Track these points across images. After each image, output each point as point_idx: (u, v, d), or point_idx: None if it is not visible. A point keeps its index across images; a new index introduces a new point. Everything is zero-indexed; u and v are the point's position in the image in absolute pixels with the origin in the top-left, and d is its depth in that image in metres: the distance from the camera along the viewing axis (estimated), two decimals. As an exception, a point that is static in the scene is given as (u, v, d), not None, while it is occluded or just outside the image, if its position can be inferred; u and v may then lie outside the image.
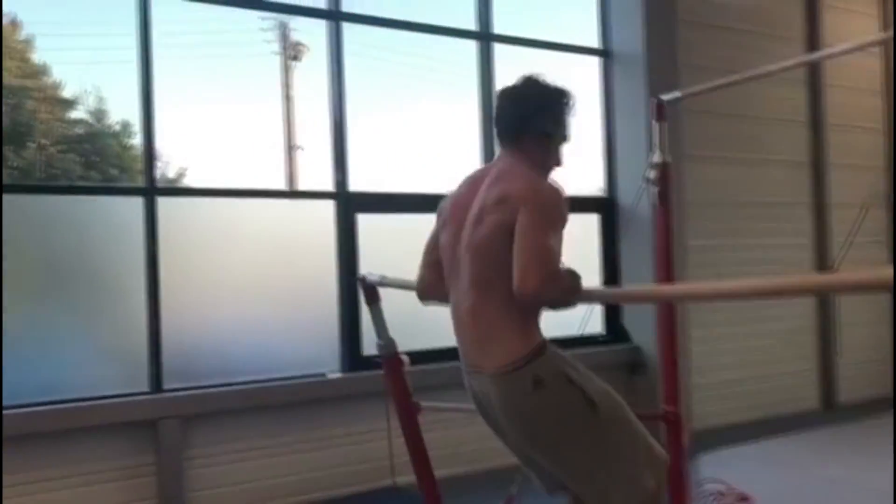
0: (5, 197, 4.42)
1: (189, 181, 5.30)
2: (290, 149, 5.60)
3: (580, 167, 6.59)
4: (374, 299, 2.89)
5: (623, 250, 6.33)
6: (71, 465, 4.34)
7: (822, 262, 7.30)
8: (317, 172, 5.43)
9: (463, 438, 5.08)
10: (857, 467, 4.80)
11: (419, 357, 3.10)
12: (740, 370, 6.64)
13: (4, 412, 4.14)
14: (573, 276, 2.04)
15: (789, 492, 4.44)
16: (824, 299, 7.26)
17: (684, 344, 6.27)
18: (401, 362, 2.85)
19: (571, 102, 2.31)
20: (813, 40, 7.29)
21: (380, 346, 2.91)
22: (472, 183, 2.31)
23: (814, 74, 7.35)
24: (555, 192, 2.14)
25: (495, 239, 2.11)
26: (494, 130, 2.41)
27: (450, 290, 2.33)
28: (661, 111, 3.53)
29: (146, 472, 4.50)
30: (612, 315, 6.37)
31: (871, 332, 7.47)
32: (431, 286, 2.46)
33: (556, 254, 2.03)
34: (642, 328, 6.14)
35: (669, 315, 3.60)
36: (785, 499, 4.32)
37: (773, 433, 5.91)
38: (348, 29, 5.39)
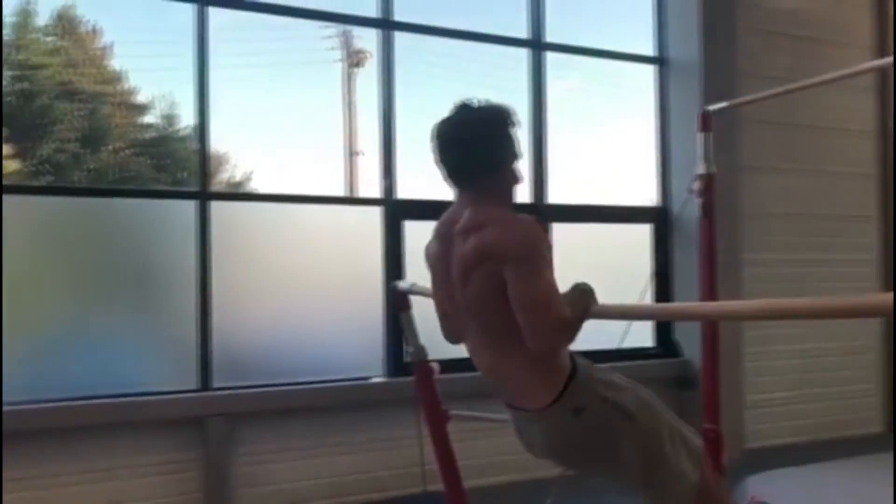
0: (73, 200, 4.67)
1: (255, 185, 5.45)
2: (351, 154, 5.67)
3: (633, 176, 6.52)
4: (404, 307, 2.92)
5: (675, 262, 6.22)
6: (119, 458, 4.49)
7: (889, 278, 7.03)
8: (374, 178, 5.52)
9: (494, 449, 5.04)
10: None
11: (451, 365, 3.10)
12: (798, 388, 6.43)
13: (54, 405, 4.33)
14: (582, 297, 1.98)
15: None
16: (889, 318, 6.99)
17: (738, 360, 6.13)
18: (431, 370, 2.86)
19: (511, 118, 2.15)
20: (883, 47, 7.02)
21: (410, 353, 2.93)
22: (444, 238, 2.20)
23: (883, 82, 7.07)
24: (528, 228, 2.01)
25: (487, 296, 2.03)
26: (442, 173, 2.23)
27: (465, 340, 2.29)
28: (706, 121, 3.46)
29: (191, 468, 4.62)
30: (663, 328, 6.25)
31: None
32: (456, 333, 2.38)
33: (553, 292, 1.95)
34: (693, 342, 6.00)
35: (713, 331, 3.52)
36: (835, 524, 4.16)
37: (830, 456, 5.69)
38: (401, 37, 5.45)
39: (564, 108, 6.16)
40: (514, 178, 2.18)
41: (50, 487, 4.31)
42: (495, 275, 1.97)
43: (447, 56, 5.84)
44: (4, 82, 4.82)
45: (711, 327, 3.53)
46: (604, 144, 6.39)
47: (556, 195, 6.01)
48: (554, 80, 6.04)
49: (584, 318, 1.93)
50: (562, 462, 2.20)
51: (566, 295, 2.00)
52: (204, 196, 4.81)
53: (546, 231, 2.10)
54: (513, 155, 2.16)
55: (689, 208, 5.67)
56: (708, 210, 3.50)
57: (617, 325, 5.61)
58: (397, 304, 2.92)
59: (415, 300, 2.99)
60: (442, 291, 2.30)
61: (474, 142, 2.08)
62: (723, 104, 3.55)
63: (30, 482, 4.26)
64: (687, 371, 6.08)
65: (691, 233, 5.96)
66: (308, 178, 5.32)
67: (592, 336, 4.13)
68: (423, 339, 2.97)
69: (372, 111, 5.47)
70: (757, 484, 4.81)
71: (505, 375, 2.13)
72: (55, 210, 4.63)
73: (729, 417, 6.04)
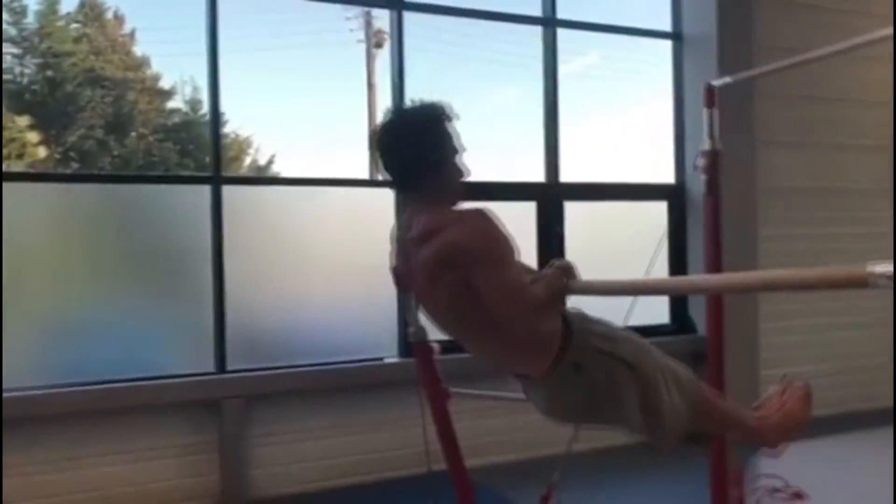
0: (92, 186, 4.78)
1: (277, 168, 5.51)
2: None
3: (650, 153, 6.48)
4: (406, 288, 2.94)
5: (691, 238, 6.19)
6: (137, 441, 4.60)
7: (910, 250, 6.93)
8: None
9: (497, 428, 5.12)
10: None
11: (453, 346, 3.13)
12: (813, 363, 6.35)
13: (75, 388, 4.43)
14: (556, 276, 2.01)
15: (850, 492, 4.26)
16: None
17: (753, 336, 6.10)
18: (431, 349, 2.89)
19: (444, 114, 2.10)
20: (903, 15, 6.86)
21: (411, 333, 2.96)
22: (402, 248, 2.20)
23: (904, 51, 6.92)
24: (480, 222, 2.00)
25: (457, 297, 2.04)
26: (388, 180, 2.22)
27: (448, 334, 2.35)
28: (710, 97, 3.43)
29: (209, 450, 4.72)
30: (678, 305, 6.23)
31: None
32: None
33: (520, 279, 1.98)
34: (703, 315, 5.98)
35: (718, 307, 3.52)
36: (843, 499, 4.15)
37: (845, 430, 5.65)
38: (411, 18, 5.43)
39: (583, 86, 6.13)
40: (458, 173, 2.14)
41: (68, 470, 4.42)
42: (460, 277, 1.97)
43: (463, 35, 5.83)
44: (30, 70, 4.89)
45: (717, 303, 3.52)
46: (622, 122, 6.36)
47: (574, 173, 5.99)
48: (573, 57, 6.01)
49: (561, 294, 1.96)
50: (568, 418, 2.26)
51: (545, 274, 2.02)
52: (217, 181, 4.87)
53: (495, 218, 2.07)
54: (452, 151, 2.11)
55: (690, 181, 5.66)
56: (713, 187, 3.47)
57: (630, 303, 5.64)
58: (398, 284, 2.94)
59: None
60: (412, 297, 2.38)
61: (409, 146, 2.05)
62: (727, 79, 3.50)
63: (49, 466, 4.38)
64: (702, 347, 6.01)
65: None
66: (330, 160, 5.36)
67: (607, 314, 4.21)
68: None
69: (410, 93, 5.42)
70: (768, 459, 4.78)
71: (496, 358, 2.16)
72: (75, 197, 4.70)
73: (745, 393, 6.03)
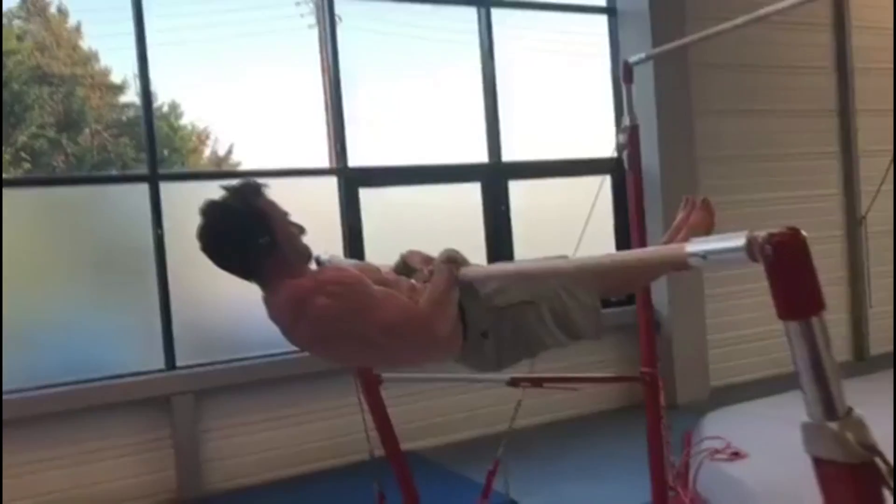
0: (31, 190, 4.71)
1: (236, 158, 5.48)
2: (339, 124, 5.60)
3: (592, 129, 6.55)
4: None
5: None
6: (91, 441, 4.62)
7: (852, 213, 7.11)
8: (367, 147, 5.51)
9: (431, 411, 5.23)
10: (875, 421, 4.69)
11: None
12: (762, 325, 6.52)
13: (25, 394, 4.42)
14: (440, 272, 1.96)
15: (792, 448, 4.40)
16: (854, 249, 7.08)
17: (698, 303, 6.24)
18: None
19: (253, 194, 1.96)
20: (835, -17, 7.00)
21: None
22: (283, 328, 2.07)
23: (839, 16, 7.05)
24: (337, 280, 1.91)
25: (354, 348, 2.01)
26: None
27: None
28: (628, 73, 3.48)
29: (164, 446, 4.75)
30: (626, 276, 6.34)
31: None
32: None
33: (398, 308, 1.93)
34: (657, 289, 6.08)
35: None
36: (783, 454, 4.28)
37: (795, 388, 5.81)
38: (350, 3, 5.41)
39: (522, 67, 6.17)
40: (294, 239, 2.00)
41: (23, 476, 4.43)
42: (346, 332, 1.92)
43: (400, 25, 5.83)
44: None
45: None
46: (562, 99, 6.41)
47: (516, 152, 6.05)
48: (511, 41, 6.04)
49: (449, 289, 1.94)
50: (507, 366, 2.25)
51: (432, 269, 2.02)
52: (154, 178, 4.85)
53: (345, 270, 2.02)
54: (278, 222, 1.96)
55: (644, 156, 5.74)
56: (634, 163, 3.53)
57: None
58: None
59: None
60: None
61: (235, 244, 1.92)
62: (641, 55, 3.56)
63: (4, 471, 4.36)
64: (654, 316, 6.17)
65: (651, 181, 6.03)
66: (290, 147, 5.34)
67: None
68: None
69: (351, 77, 5.44)
70: (713, 421, 4.92)
71: (411, 365, 2.18)
72: (14, 200, 4.64)
73: (692, 358, 6.20)
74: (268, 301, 2.00)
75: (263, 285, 1.99)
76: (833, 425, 1.06)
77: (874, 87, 7.12)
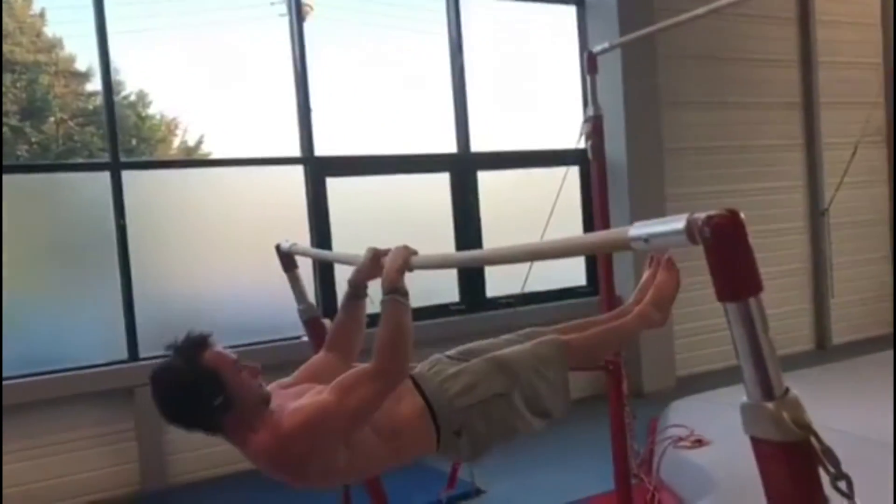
0: None
1: (207, 148, 5.43)
2: (305, 113, 5.56)
3: (560, 120, 6.56)
4: (290, 266, 2.97)
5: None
6: (56, 433, 4.56)
7: (815, 204, 7.21)
8: (335, 136, 5.46)
9: None
10: (837, 407, 4.76)
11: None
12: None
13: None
14: (386, 311, 1.93)
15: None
16: (817, 239, 7.19)
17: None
18: (322, 325, 2.93)
19: (202, 345, 1.87)
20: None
21: (300, 311, 3.00)
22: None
23: (804, 10, 7.14)
24: (297, 421, 1.82)
25: (330, 466, 1.93)
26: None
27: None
28: (592, 63, 3.51)
29: (127, 438, 4.71)
30: (593, 266, 6.38)
31: (866, 270, 7.38)
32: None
33: (348, 394, 1.84)
34: (624, 279, 6.12)
35: (608, 267, 3.64)
36: (745, 441, 4.35)
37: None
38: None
39: (491, 57, 6.17)
40: (247, 390, 1.87)
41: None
42: (322, 469, 1.89)
43: (367, 14, 5.79)
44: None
45: (606, 265, 3.64)
46: (533, 91, 6.42)
47: (485, 143, 6.05)
48: (479, 31, 6.03)
49: (398, 325, 1.89)
50: (486, 454, 2.19)
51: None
52: (116, 166, 4.79)
53: (296, 410, 1.85)
54: (226, 381, 1.83)
55: (612, 146, 5.78)
56: (597, 153, 3.56)
57: (549, 270, 5.77)
58: (283, 263, 2.98)
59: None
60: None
61: (190, 408, 1.84)
62: (605, 45, 3.58)
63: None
64: (618, 304, 6.22)
65: (618, 171, 6.07)
66: (260, 137, 5.29)
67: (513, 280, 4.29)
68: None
69: (319, 67, 5.39)
70: (678, 410, 4.99)
71: (391, 467, 2.13)
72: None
73: (658, 348, 6.26)
74: (238, 448, 1.91)
75: (229, 439, 1.90)
76: (770, 405, 1.07)
77: (837, 79, 7.23)
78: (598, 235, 1.34)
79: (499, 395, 2.09)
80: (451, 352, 2.26)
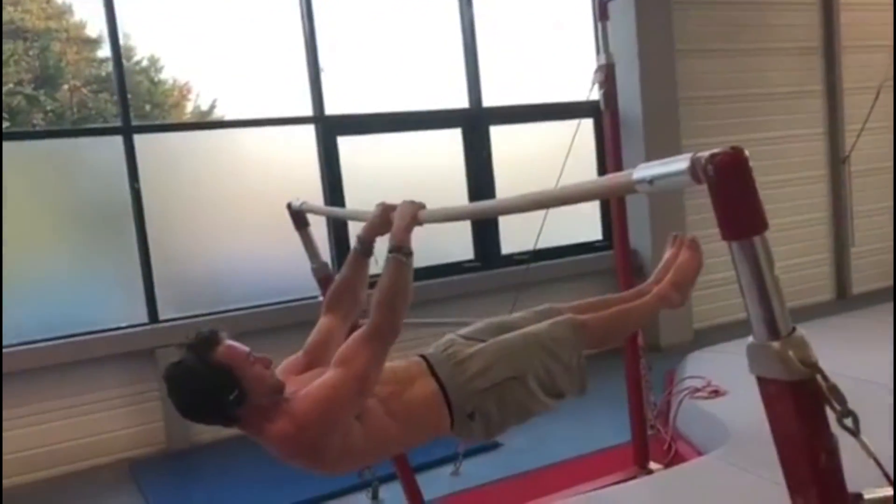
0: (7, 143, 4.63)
1: (220, 112, 5.42)
2: (315, 72, 5.51)
3: (575, 72, 6.46)
4: (302, 225, 2.97)
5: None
6: (83, 394, 4.66)
7: (835, 152, 7.09)
8: (346, 94, 5.42)
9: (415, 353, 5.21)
10: (854, 358, 4.73)
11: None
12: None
13: (10, 350, 4.43)
14: (389, 268, 1.94)
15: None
16: (837, 188, 7.08)
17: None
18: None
19: (213, 341, 1.87)
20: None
21: (313, 269, 3.01)
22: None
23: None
24: (303, 409, 1.85)
25: (349, 440, 1.94)
26: None
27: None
28: (603, 10, 3.44)
29: (151, 398, 4.79)
30: (609, 220, 6.34)
31: (888, 218, 7.26)
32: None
33: (349, 363, 1.88)
34: (640, 232, 6.10)
35: (621, 220, 3.61)
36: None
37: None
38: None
39: (502, 10, 6.06)
40: (260, 382, 1.87)
41: (14, 428, 4.47)
42: (342, 450, 1.90)
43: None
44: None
45: (620, 218, 3.61)
46: (546, 43, 6.31)
47: (497, 97, 5.98)
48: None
49: (396, 283, 1.91)
50: (498, 435, 2.22)
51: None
52: (128, 130, 4.79)
53: (308, 395, 1.87)
54: (240, 376, 1.84)
55: (625, 97, 5.70)
56: (610, 102, 3.51)
57: (565, 225, 5.75)
58: (294, 222, 2.98)
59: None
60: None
61: (206, 405, 1.85)
62: (617, -8, 3.50)
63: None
64: (634, 260, 6.19)
65: (633, 123, 5.99)
66: (272, 99, 5.27)
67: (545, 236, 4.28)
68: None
69: (331, 24, 5.33)
70: (695, 361, 4.99)
71: (407, 448, 2.17)
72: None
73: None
74: (257, 438, 1.93)
75: (246, 431, 1.91)
76: (775, 344, 1.06)
77: (860, 22, 7.03)
78: (603, 180, 1.32)
79: (513, 378, 2.09)
80: (465, 331, 2.26)
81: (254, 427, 1.89)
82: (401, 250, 1.95)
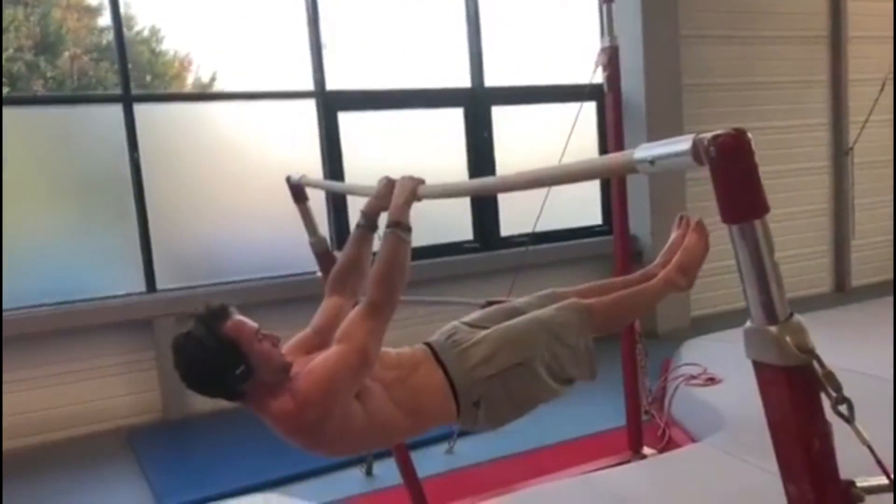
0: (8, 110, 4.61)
1: (220, 85, 5.39)
2: (316, 47, 5.47)
3: (579, 54, 6.41)
4: (301, 199, 2.95)
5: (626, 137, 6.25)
6: (81, 360, 4.67)
7: (839, 143, 7.06)
8: (348, 71, 5.39)
9: (410, 338, 5.17)
10: (850, 350, 4.73)
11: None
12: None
13: (10, 312, 4.45)
14: (386, 244, 1.92)
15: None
16: (840, 180, 7.06)
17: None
18: (333, 258, 2.91)
19: (222, 317, 1.85)
20: None
21: (311, 244, 2.99)
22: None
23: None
24: (304, 387, 1.83)
25: (350, 424, 1.92)
26: None
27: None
28: (609, -9, 3.39)
29: (148, 367, 4.81)
30: (609, 205, 6.32)
31: (888, 211, 7.25)
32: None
33: (348, 339, 1.87)
34: (640, 219, 6.09)
35: (622, 203, 3.60)
36: (755, 380, 4.36)
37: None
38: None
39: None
40: (267, 359, 1.86)
41: (11, 393, 4.49)
42: (341, 431, 1.88)
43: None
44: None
45: (620, 202, 3.60)
46: (551, 24, 6.26)
47: (500, 77, 5.94)
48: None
49: (394, 258, 1.90)
50: (504, 425, 2.18)
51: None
52: (128, 99, 4.77)
53: (311, 372, 1.83)
54: (246, 352, 1.83)
55: (629, 82, 5.65)
56: (613, 84, 3.49)
57: (565, 209, 5.73)
58: (293, 195, 2.96)
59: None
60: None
61: (211, 378, 1.84)
62: (624, -27, 3.46)
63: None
64: (634, 246, 6.18)
65: (635, 108, 5.96)
66: (272, 72, 5.23)
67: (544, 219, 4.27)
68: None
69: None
70: (691, 349, 5.00)
71: (413, 434, 2.12)
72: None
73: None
74: (259, 414, 1.93)
75: (250, 407, 1.90)
76: (773, 329, 1.05)
77: (867, 12, 6.98)
78: (604, 158, 1.31)
79: (519, 364, 2.06)
80: (469, 318, 2.23)
81: (257, 403, 1.88)
82: (399, 226, 1.93)
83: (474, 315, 2.25)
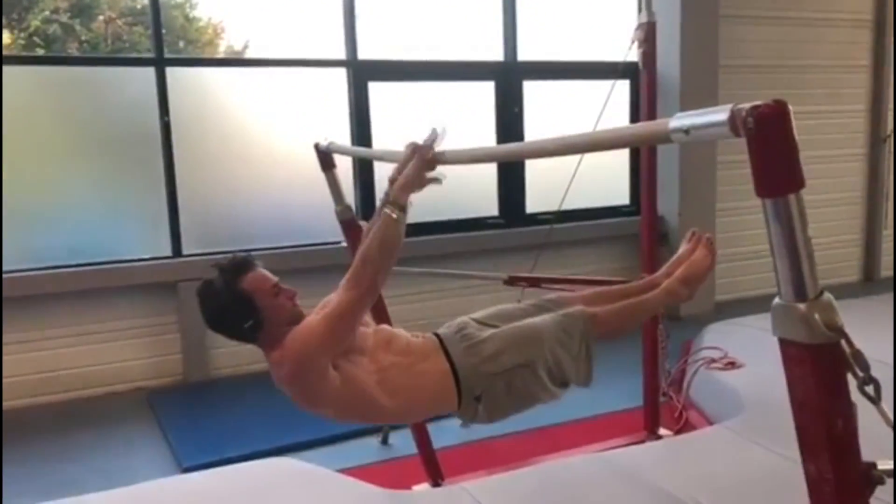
0: (40, 70, 4.71)
1: (252, 52, 5.40)
2: (350, 16, 5.43)
3: (615, 31, 6.32)
4: (328, 166, 2.95)
5: (659, 116, 6.17)
6: (102, 321, 4.75)
7: (877, 131, 6.91)
8: (380, 40, 5.38)
9: (427, 312, 5.15)
10: (876, 339, 4.66)
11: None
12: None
13: (37, 272, 4.54)
14: (380, 224, 1.95)
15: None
16: (876, 167, 6.92)
17: (710, 215, 6.16)
18: (358, 227, 2.91)
19: (239, 275, 1.97)
20: None
21: (337, 212, 2.99)
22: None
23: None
24: (297, 337, 1.92)
25: (351, 390, 2.02)
26: None
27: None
28: (647, -33, 3.32)
29: (171, 331, 4.87)
30: (637, 185, 6.26)
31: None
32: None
33: (335, 312, 1.93)
34: (668, 199, 6.02)
35: (650, 182, 3.55)
36: (777, 365, 4.31)
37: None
38: None
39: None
40: (279, 314, 1.98)
41: (36, 350, 4.59)
42: (308, 371, 1.95)
43: None
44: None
45: (649, 181, 3.55)
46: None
47: (533, 52, 5.87)
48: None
49: (386, 243, 1.92)
50: (501, 419, 2.27)
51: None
52: (161, 62, 4.78)
53: (302, 332, 1.94)
54: (260, 306, 1.95)
55: (665, 61, 5.56)
56: (648, 62, 3.43)
57: (592, 188, 5.67)
58: (321, 162, 2.96)
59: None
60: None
61: (229, 324, 1.99)
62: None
63: (17, 346, 4.54)
64: (661, 227, 6.12)
65: (670, 88, 5.87)
66: (305, 41, 5.22)
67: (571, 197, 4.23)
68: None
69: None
70: (713, 332, 4.94)
71: (415, 417, 2.26)
72: (21, 81, 4.60)
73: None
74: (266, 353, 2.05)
75: (263, 351, 2.03)
76: (801, 306, 1.03)
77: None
78: (637, 126, 1.28)
79: (523, 365, 2.13)
80: (478, 315, 2.30)
81: (266, 351, 2.01)
82: (394, 203, 1.95)
83: (482, 313, 2.33)
